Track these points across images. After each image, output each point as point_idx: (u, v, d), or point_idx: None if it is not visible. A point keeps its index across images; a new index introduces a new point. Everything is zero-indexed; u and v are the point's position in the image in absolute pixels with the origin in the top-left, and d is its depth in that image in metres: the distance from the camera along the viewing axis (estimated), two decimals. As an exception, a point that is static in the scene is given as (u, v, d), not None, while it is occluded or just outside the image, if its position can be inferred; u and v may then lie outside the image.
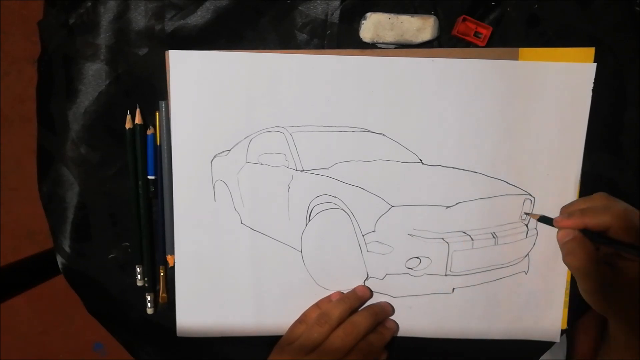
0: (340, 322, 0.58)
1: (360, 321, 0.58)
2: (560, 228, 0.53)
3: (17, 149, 1.39)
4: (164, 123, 0.58)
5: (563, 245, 0.52)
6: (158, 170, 0.59)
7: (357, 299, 0.60)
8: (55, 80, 0.58)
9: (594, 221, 0.50)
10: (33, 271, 0.75)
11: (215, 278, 0.61)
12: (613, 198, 0.52)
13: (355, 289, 0.61)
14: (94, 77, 0.58)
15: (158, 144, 0.59)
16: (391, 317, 0.62)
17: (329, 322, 0.57)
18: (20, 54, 1.37)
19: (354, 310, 0.59)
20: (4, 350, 1.44)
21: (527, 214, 0.59)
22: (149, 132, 0.59)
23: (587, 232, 0.51)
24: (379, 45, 0.56)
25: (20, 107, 1.38)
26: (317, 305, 0.61)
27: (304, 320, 0.60)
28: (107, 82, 0.58)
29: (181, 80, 0.57)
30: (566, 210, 0.54)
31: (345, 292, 0.61)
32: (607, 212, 0.49)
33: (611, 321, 0.52)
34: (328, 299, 0.61)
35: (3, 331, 1.43)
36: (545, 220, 0.56)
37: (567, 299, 0.62)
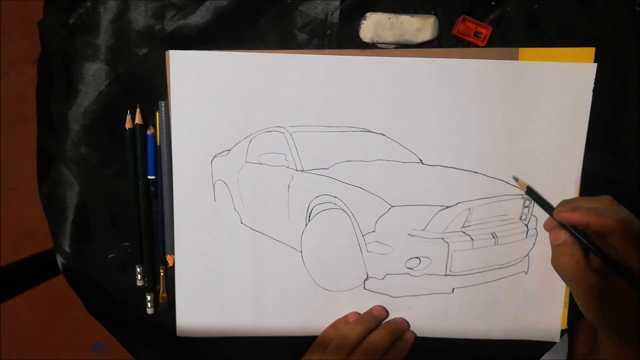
0: (359, 343, 0.59)
1: (379, 340, 0.58)
2: (560, 220, 0.52)
3: (17, 149, 1.39)
4: (163, 123, 0.58)
5: (554, 248, 0.52)
6: (158, 170, 0.59)
7: (373, 320, 0.60)
8: (55, 80, 0.58)
9: (598, 221, 0.49)
10: (33, 271, 0.75)
11: (215, 278, 0.61)
12: (618, 204, 0.51)
13: (371, 309, 0.61)
14: (94, 77, 0.58)
15: (158, 144, 0.59)
16: (402, 317, 0.62)
17: (348, 344, 0.57)
18: (20, 53, 1.37)
19: (371, 330, 0.60)
20: (3, 350, 1.44)
21: (515, 178, 0.57)
22: (149, 132, 0.59)
23: (580, 238, 0.51)
24: (379, 45, 0.56)
25: (20, 107, 1.38)
26: (334, 326, 0.61)
27: (323, 343, 0.60)
28: (107, 82, 0.58)
29: (181, 80, 0.57)
30: (571, 205, 0.53)
31: (347, 292, 0.61)
32: (612, 215, 0.48)
33: (598, 329, 0.52)
34: (345, 320, 0.61)
35: (3, 331, 1.43)
36: (540, 201, 0.55)
37: (567, 300, 0.62)
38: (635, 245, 0.47)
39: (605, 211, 0.49)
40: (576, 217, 0.50)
